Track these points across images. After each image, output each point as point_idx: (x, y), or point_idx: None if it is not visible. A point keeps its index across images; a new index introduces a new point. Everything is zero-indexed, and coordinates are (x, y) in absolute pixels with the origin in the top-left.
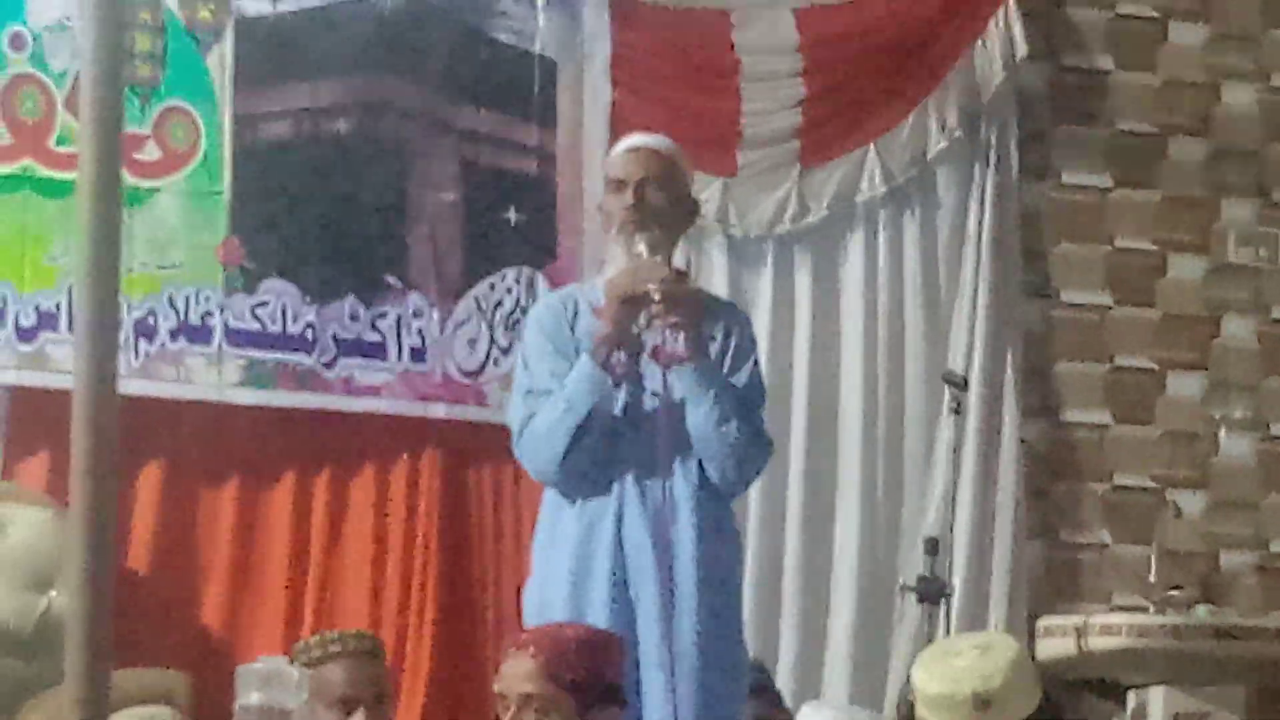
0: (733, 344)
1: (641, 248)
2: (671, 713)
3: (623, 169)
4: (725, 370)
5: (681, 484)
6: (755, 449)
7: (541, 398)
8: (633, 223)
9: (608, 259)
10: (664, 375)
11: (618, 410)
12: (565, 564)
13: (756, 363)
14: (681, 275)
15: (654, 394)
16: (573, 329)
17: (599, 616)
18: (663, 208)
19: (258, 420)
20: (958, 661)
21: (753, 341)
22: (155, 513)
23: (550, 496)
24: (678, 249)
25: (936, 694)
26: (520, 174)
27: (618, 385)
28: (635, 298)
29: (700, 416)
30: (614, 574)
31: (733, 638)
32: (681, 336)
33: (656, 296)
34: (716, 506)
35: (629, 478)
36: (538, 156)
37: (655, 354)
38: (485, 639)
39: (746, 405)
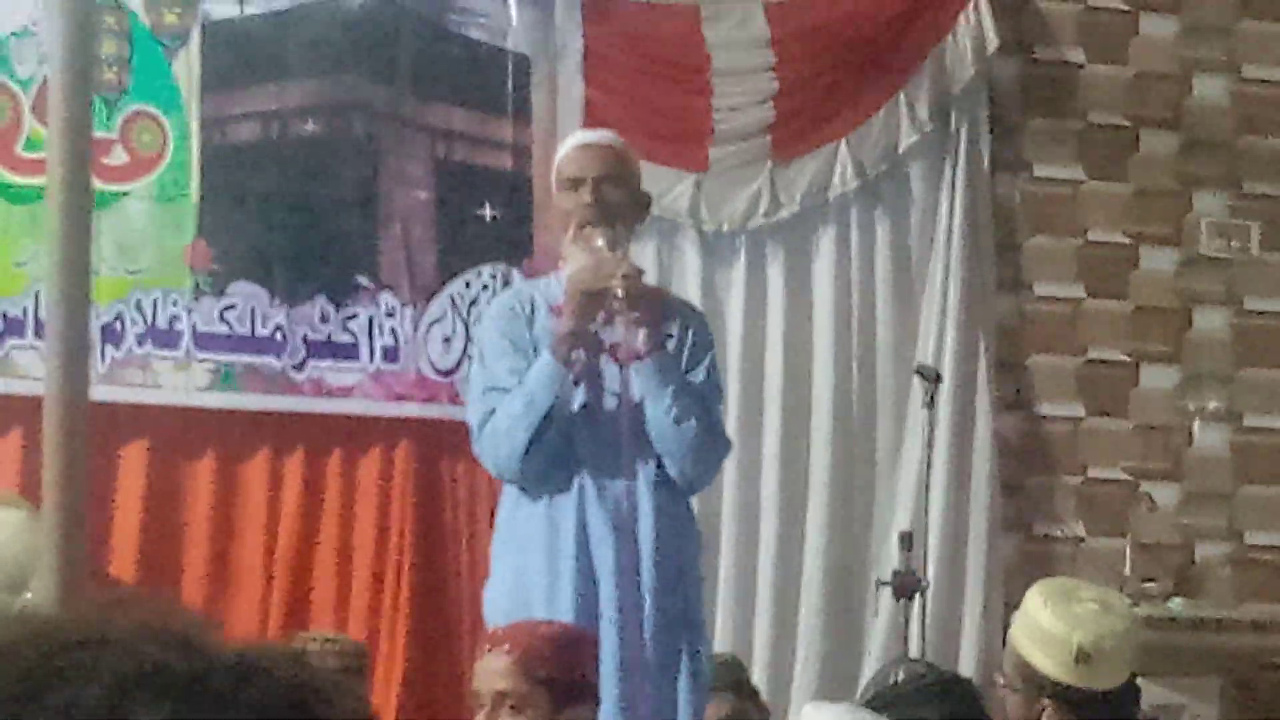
0: (690, 342)
1: (601, 243)
2: (630, 708)
3: (578, 167)
4: (683, 368)
5: (642, 482)
6: (713, 446)
7: (501, 395)
8: (592, 220)
9: (566, 256)
10: (622, 374)
11: (576, 408)
12: (535, 562)
13: (714, 360)
14: (639, 271)
15: (613, 394)
16: (530, 327)
17: (566, 613)
18: (620, 204)
19: (229, 417)
20: (1077, 608)
21: (710, 339)
22: (128, 511)
23: (509, 496)
24: (647, 246)
25: (1046, 629)
26: (495, 170)
27: (576, 383)
28: (596, 293)
29: (659, 413)
30: (579, 572)
31: (694, 634)
32: (642, 333)
33: (619, 292)
34: (676, 503)
35: (589, 476)
36: (513, 152)
37: (614, 352)
38: (460, 633)
39: (705, 402)
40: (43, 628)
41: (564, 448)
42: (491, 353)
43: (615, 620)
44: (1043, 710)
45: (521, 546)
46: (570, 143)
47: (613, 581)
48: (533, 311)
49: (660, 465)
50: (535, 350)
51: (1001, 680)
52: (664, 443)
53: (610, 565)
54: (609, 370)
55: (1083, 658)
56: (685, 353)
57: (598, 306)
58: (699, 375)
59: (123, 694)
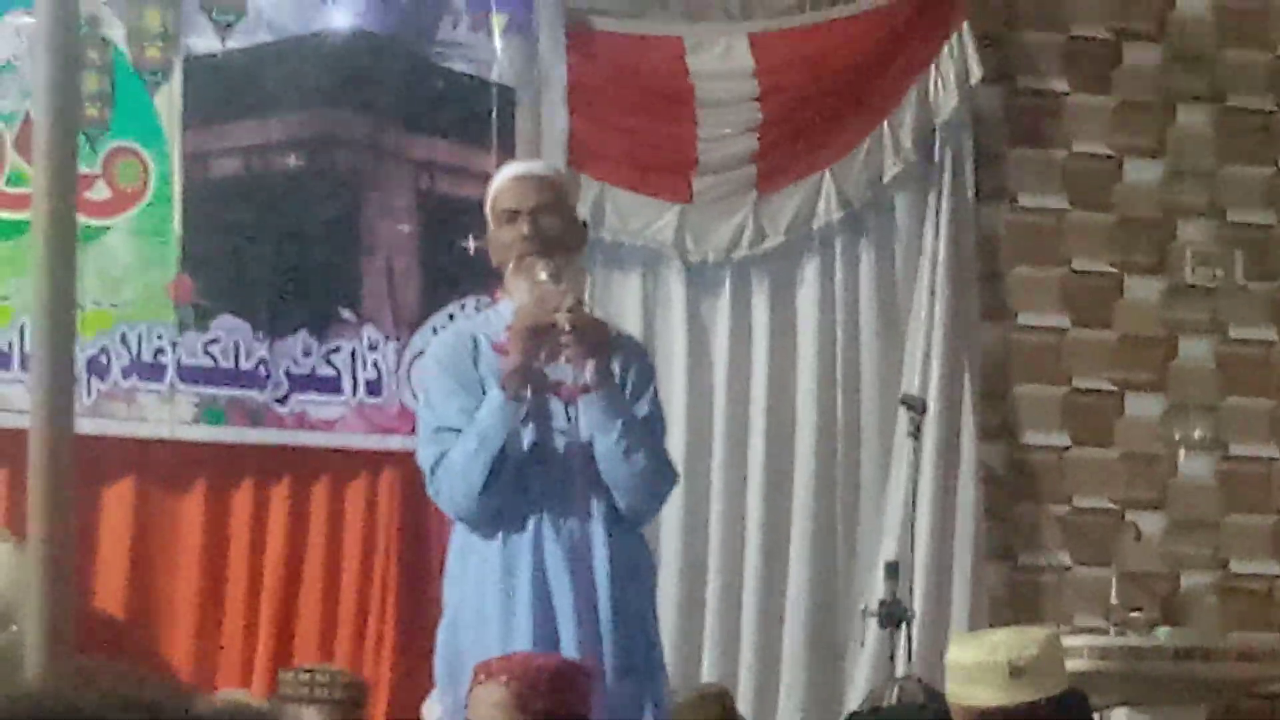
0: (632, 375)
1: (544, 276)
2: None
3: (514, 199)
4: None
5: (596, 520)
6: (661, 477)
7: (452, 435)
8: (532, 252)
9: (508, 290)
10: (568, 411)
11: (525, 447)
12: (491, 602)
13: (656, 392)
14: (581, 303)
15: (561, 432)
16: (475, 364)
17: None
18: (558, 234)
19: (214, 450)
20: (991, 637)
21: (651, 370)
22: (114, 544)
23: (459, 538)
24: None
25: (971, 662)
26: (478, 202)
27: (525, 423)
28: (544, 327)
29: (609, 445)
30: (537, 612)
31: (654, 667)
32: (590, 365)
33: (566, 326)
34: (629, 537)
35: (544, 514)
36: None
37: (559, 390)
38: None
39: (650, 434)
40: (18, 703)
41: (518, 486)
42: (438, 393)
43: (575, 655)
44: None
45: (476, 588)
46: (504, 174)
47: (572, 621)
48: (476, 349)
49: (610, 500)
50: (482, 388)
51: None
52: (614, 476)
53: (569, 605)
54: (556, 409)
55: (1015, 672)
56: (628, 386)
57: (545, 340)
58: (643, 408)
59: None
